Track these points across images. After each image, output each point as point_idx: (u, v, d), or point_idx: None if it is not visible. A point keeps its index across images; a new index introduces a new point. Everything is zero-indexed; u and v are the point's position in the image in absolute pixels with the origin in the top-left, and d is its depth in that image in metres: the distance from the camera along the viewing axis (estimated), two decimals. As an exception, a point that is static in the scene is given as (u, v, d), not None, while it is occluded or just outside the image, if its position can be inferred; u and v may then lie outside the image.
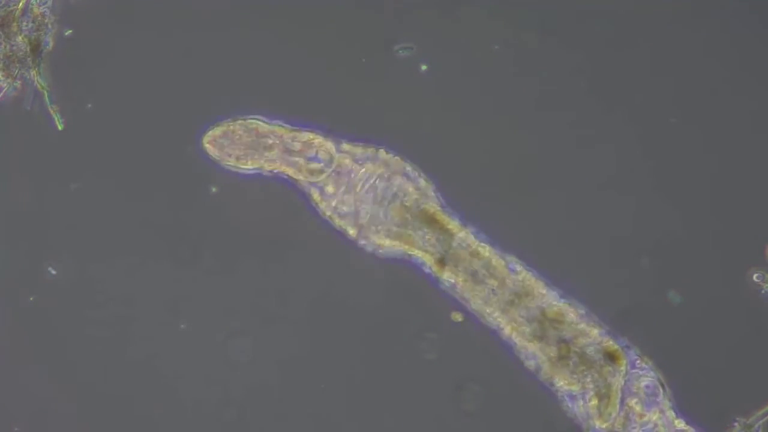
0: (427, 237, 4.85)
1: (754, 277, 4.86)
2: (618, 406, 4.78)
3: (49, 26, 4.99)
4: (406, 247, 4.88)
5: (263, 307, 5.02)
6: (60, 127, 5.03)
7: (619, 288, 4.91)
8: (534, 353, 4.84)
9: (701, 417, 4.82)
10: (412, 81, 4.96)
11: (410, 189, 4.86)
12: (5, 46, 4.98)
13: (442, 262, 4.85)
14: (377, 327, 4.98)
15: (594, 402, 4.79)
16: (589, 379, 4.80)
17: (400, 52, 4.95)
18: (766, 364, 4.87)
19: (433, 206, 4.85)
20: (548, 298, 4.84)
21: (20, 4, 4.97)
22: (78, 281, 5.05)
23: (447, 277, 4.88)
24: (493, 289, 4.84)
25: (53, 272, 5.05)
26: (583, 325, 4.82)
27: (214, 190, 5.01)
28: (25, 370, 5.07)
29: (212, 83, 5.02)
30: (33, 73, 4.99)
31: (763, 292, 4.86)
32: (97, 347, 5.04)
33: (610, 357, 4.79)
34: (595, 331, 4.83)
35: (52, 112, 5.01)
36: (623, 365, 4.80)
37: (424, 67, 4.97)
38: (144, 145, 5.05)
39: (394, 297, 4.96)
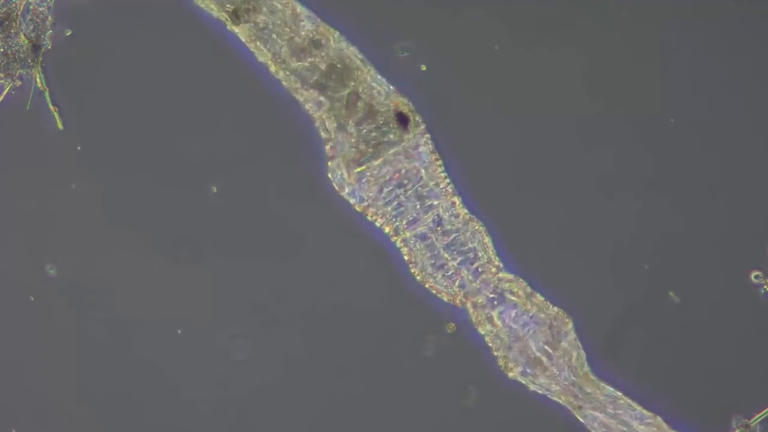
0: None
1: (753, 277, 4.86)
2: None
3: (49, 26, 5.00)
4: None
5: (263, 307, 5.03)
6: (60, 127, 5.03)
7: (620, 289, 4.91)
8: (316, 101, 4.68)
9: (701, 417, 4.82)
10: (412, 81, 4.96)
11: None
12: (5, 46, 4.98)
13: (236, 15, 4.61)
14: (377, 327, 4.99)
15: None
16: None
17: (400, 52, 4.95)
18: (766, 364, 4.87)
19: None
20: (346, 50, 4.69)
21: (20, 3, 4.97)
22: (78, 281, 5.06)
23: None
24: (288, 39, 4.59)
25: (53, 272, 5.05)
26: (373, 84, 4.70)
27: (214, 190, 5.01)
28: (25, 371, 5.08)
29: (212, 83, 5.02)
30: (33, 72, 5.00)
31: (763, 292, 4.86)
32: (97, 347, 5.05)
33: (400, 118, 4.67)
34: (385, 89, 4.71)
35: (52, 111, 5.02)
36: (414, 126, 4.69)
37: (424, 67, 4.97)
38: (144, 144, 5.06)
39: (394, 296, 4.96)
